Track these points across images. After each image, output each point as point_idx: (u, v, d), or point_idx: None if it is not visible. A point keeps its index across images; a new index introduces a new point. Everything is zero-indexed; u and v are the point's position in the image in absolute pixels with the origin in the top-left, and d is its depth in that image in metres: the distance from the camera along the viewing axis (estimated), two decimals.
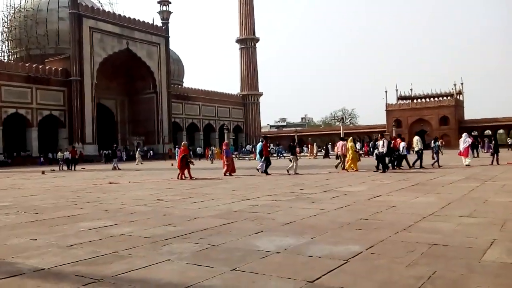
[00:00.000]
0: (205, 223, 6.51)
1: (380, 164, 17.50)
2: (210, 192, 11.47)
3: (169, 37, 62.55)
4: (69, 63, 50.99)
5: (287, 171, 18.05)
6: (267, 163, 18.33)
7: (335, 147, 22.94)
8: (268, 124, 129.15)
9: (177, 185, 14.19)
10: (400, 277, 3.67)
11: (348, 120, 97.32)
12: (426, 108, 66.78)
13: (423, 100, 68.75)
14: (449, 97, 66.53)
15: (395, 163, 19.11)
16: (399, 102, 69.50)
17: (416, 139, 20.17)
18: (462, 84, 68.53)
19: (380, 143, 17.71)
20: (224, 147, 19.19)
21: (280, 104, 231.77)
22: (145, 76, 59.44)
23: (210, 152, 41.99)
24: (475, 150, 28.17)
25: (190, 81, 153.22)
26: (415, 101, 69.25)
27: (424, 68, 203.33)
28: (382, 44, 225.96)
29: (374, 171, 17.42)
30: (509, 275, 3.64)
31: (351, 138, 21.36)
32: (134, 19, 57.68)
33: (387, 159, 18.06)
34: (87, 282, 3.71)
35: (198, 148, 57.13)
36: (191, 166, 17.42)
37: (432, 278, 3.59)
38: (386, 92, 68.91)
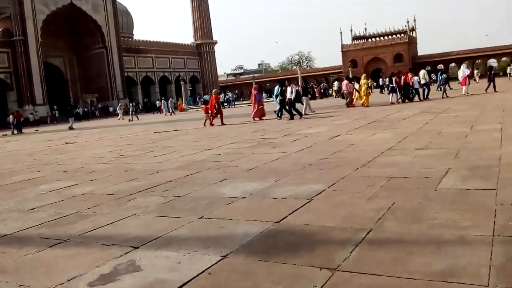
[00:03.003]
0: (168, 175, 6.48)
1: (291, 110, 16.65)
2: (171, 144, 11.37)
3: None
4: (11, 22, 48.01)
5: (305, 113, 18.08)
6: (284, 107, 17.67)
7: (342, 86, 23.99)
8: (225, 73, 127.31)
9: (135, 140, 13.97)
10: (362, 210, 3.81)
11: (305, 64, 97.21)
12: (380, 46, 67.28)
13: (378, 39, 69.14)
14: (402, 34, 67.20)
15: (406, 96, 20.38)
16: (354, 43, 69.68)
17: (422, 72, 20.89)
18: (414, 20, 69.13)
19: (288, 89, 17.15)
20: (254, 92, 18.86)
21: (236, 52, 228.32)
22: (92, 31, 56.70)
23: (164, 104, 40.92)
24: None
25: (141, 33, 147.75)
26: (369, 40, 69.58)
27: (378, 6, 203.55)
28: None
29: (278, 119, 16.89)
30: (464, 200, 3.84)
31: (364, 75, 22.54)
32: None
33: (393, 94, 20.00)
34: (53, 244, 3.66)
35: (157, 101, 55.85)
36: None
37: (391, 209, 3.74)
38: (341, 33, 68.82)
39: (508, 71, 40.99)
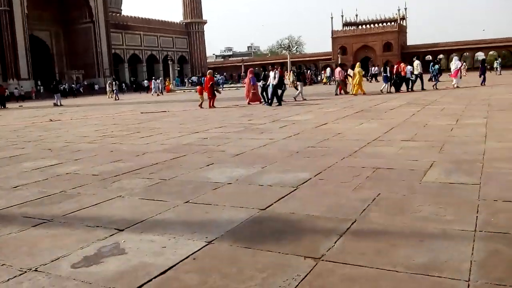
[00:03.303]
0: (154, 158, 6.45)
1: (273, 97, 16.28)
2: (158, 126, 11.30)
3: None
4: None
5: (295, 99, 18.01)
6: (265, 93, 17.37)
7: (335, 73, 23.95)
8: (213, 54, 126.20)
9: (122, 120, 13.84)
10: (347, 200, 3.84)
11: (294, 48, 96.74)
12: (370, 34, 67.27)
13: (368, 26, 69.07)
14: (392, 23, 67.20)
15: (396, 86, 20.47)
16: (344, 29, 69.54)
17: (416, 63, 20.91)
18: (405, 9, 69.15)
19: (271, 74, 16.35)
20: (249, 75, 18.52)
21: (226, 33, 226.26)
22: (80, 4, 55.55)
23: (154, 84, 40.66)
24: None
25: (129, 8, 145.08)
26: (360, 27, 69.47)
27: None
28: None
29: (266, 104, 16.59)
30: (447, 193, 3.89)
31: (358, 63, 22.46)
32: None
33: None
34: (37, 223, 3.63)
35: (144, 81, 55.17)
36: (217, 95, 17.84)
37: (376, 200, 3.78)
38: (332, 18, 68.57)
39: (495, 65, 41.21)
